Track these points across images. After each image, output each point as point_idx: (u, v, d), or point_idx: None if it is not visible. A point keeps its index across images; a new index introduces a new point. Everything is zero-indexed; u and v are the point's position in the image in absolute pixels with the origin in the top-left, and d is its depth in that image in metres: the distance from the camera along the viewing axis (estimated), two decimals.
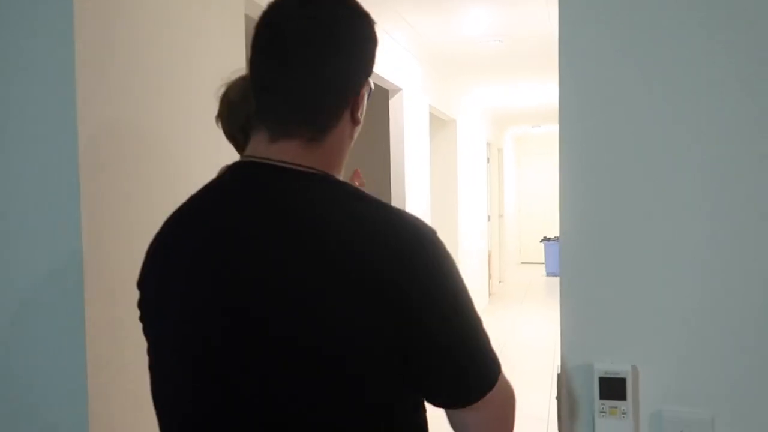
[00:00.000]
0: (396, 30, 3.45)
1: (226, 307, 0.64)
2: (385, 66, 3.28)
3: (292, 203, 0.66)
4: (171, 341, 0.69)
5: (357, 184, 1.12)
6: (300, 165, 0.67)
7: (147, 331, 0.72)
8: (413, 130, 3.75)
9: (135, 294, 0.74)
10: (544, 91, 5.72)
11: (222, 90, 0.96)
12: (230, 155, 0.87)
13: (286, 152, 0.67)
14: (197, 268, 0.67)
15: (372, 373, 0.63)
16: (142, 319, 0.73)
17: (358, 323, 0.61)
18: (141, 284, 0.73)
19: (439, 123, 5.33)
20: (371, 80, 0.74)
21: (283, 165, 0.67)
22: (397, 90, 3.59)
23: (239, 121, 0.93)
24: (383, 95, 3.64)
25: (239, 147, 0.95)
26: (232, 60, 1.39)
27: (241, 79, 0.96)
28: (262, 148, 0.68)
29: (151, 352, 0.72)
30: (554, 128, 8.60)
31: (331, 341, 0.61)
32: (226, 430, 0.65)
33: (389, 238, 0.63)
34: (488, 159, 7.57)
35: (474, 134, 6.49)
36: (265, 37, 0.68)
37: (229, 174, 0.70)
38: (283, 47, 0.67)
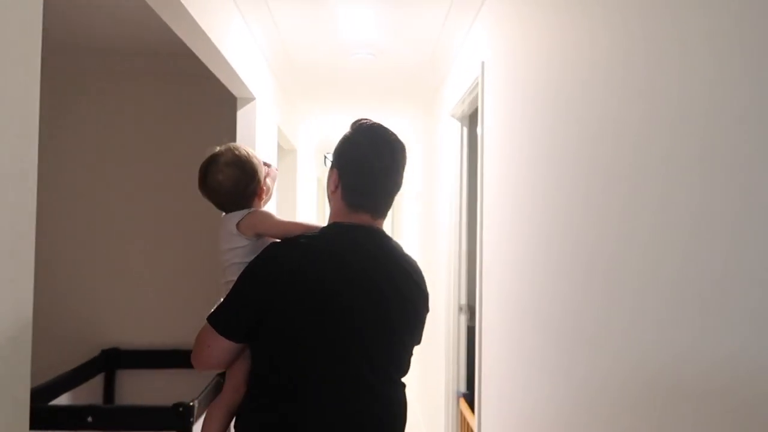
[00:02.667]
0: (257, 24, 2.82)
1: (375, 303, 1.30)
2: (241, 65, 2.60)
3: (395, 250, 1.39)
4: (333, 320, 1.25)
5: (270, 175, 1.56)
6: (381, 230, 1.40)
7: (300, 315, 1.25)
8: (262, 151, 3.08)
9: None
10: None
11: (217, 174, 1.45)
12: None
13: (380, 226, 1.40)
14: (357, 282, 1.29)
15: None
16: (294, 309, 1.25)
17: (424, 317, 1.43)
18: (302, 286, 1.25)
19: (280, 151, 4.71)
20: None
21: (380, 231, 1.40)
22: (250, 99, 2.92)
23: (226, 198, 1.45)
24: (230, 103, 2.94)
25: (219, 207, 1.49)
26: None
27: (237, 170, 1.46)
28: (368, 222, 1.38)
29: (306, 329, 1.24)
30: None
31: (420, 322, 1.41)
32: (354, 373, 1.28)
33: (417, 267, 1.44)
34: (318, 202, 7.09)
35: (309, 172, 5.98)
36: (366, 166, 1.37)
37: (358, 232, 1.36)
38: (375, 172, 1.36)
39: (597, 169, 1.26)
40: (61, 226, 3.47)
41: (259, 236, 1.38)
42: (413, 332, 1.38)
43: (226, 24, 2.40)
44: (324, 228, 1.35)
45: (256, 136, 2.91)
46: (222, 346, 1.28)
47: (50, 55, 3.31)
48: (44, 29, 1.05)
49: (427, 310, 1.43)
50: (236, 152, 1.46)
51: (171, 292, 3.49)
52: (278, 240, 1.36)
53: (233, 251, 1.38)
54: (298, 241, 1.30)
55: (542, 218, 1.64)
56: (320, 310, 1.23)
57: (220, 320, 1.28)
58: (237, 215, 1.40)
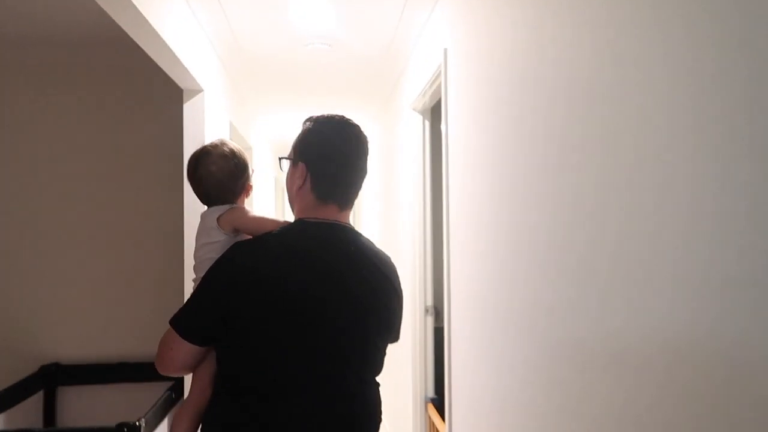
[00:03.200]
0: (203, 10, 2.63)
1: (345, 297, 1.28)
2: (186, 53, 2.42)
3: (363, 245, 1.38)
4: (301, 320, 1.23)
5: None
6: (348, 224, 1.40)
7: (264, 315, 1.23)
8: None
9: None
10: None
11: (210, 165, 1.46)
12: None
13: (346, 218, 1.39)
14: (324, 279, 1.26)
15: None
16: (259, 307, 1.23)
17: (399, 313, 1.44)
18: (262, 284, 1.23)
19: None
20: None
21: (347, 225, 1.39)
22: (197, 91, 2.73)
23: (214, 190, 1.47)
24: (176, 95, 2.74)
25: (203, 200, 1.49)
26: None
27: (226, 161, 1.47)
28: (334, 215, 1.36)
29: (269, 329, 1.22)
30: None
31: (394, 319, 1.41)
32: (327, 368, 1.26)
33: (391, 263, 1.45)
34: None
35: (265, 171, 5.78)
36: (336, 156, 1.36)
37: (324, 228, 1.34)
38: (343, 159, 1.36)
39: (567, 160, 1.21)
40: None
41: (236, 232, 1.40)
42: (388, 331, 1.38)
43: (168, 8, 2.22)
44: (288, 225, 1.34)
45: (206, 131, 2.73)
46: (185, 350, 1.27)
47: None
48: None
49: (401, 307, 1.43)
50: (230, 146, 1.49)
51: (115, 300, 3.26)
52: (241, 239, 1.37)
53: (210, 246, 1.38)
54: (261, 240, 1.30)
55: (511, 214, 1.56)
56: (289, 310, 1.22)
57: (182, 323, 1.27)
58: (218, 209, 1.41)
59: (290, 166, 1.39)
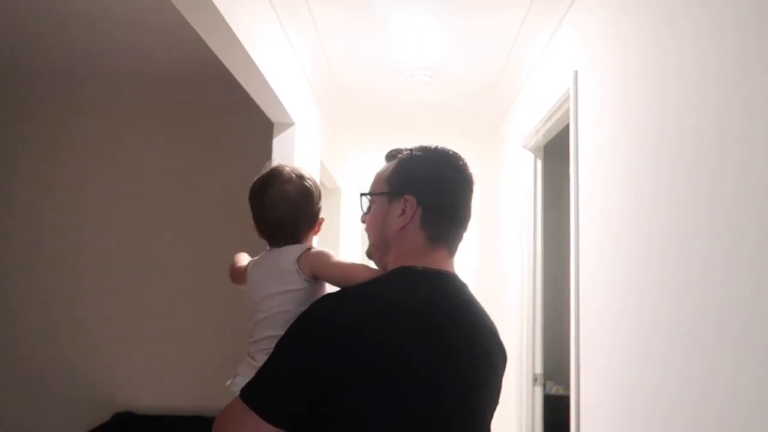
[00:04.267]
0: (299, 36, 2.46)
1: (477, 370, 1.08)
2: (279, 83, 2.23)
3: (478, 305, 1.15)
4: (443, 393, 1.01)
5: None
6: (457, 275, 1.16)
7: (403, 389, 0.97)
8: None
9: None
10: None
11: (284, 184, 1.24)
12: None
13: (453, 268, 1.15)
14: (448, 351, 1.03)
15: None
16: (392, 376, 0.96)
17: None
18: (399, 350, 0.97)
19: (323, 190, 4.32)
20: None
21: (459, 278, 1.15)
22: (288, 125, 2.54)
23: (288, 218, 1.25)
24: (266, 129, 2.56)
25: (267, 231, 1.26)
26: None
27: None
28: (445, 263, 1.12)
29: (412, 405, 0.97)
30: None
31: (499, 391, 1.18)
32: None
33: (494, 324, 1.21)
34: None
35: (354, 215, 5.57)
36: (452, 187, 1.14)
37: (440, 281, 1.10)
38: (459, 192, 1.14)
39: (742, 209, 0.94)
40: (70, 278, 3.17)
41: (315, 280, 1.16)
42: (494, 399, 1.18)
43: (263, 34, 2.05)
44: (390, 273, 1.09)
45: (294, 163, 2.52)
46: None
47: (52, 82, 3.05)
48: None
49: (504, 369, 1.23)
50: (301, 172, 1.29)
51: (194, 350, 3.09)
52: (332, 290, 1.12)
53: (285, 295, 1.14)
54: (363, 294, 1.04)
55: (674, 274, 1.18)
56: (409, 393, 0.97)
57: (261, 398, 0.99)
58: (294, 249, 1.18)
59: (383, 201, 1.14)
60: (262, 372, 1.00)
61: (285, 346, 1.00)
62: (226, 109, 3.15)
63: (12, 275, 3.18)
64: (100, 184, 3.21)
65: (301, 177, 1.26)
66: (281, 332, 1.06)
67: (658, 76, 1.37)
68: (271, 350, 1.05)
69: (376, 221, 1.15)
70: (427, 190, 1.11)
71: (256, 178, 1.27)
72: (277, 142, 2.49)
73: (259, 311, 1.14)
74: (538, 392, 2.67)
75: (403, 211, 1.10)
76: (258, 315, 1.14)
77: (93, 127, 3.24)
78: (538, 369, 2.66)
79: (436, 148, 1.16)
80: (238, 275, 1.35)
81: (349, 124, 3.84)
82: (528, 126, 2.67)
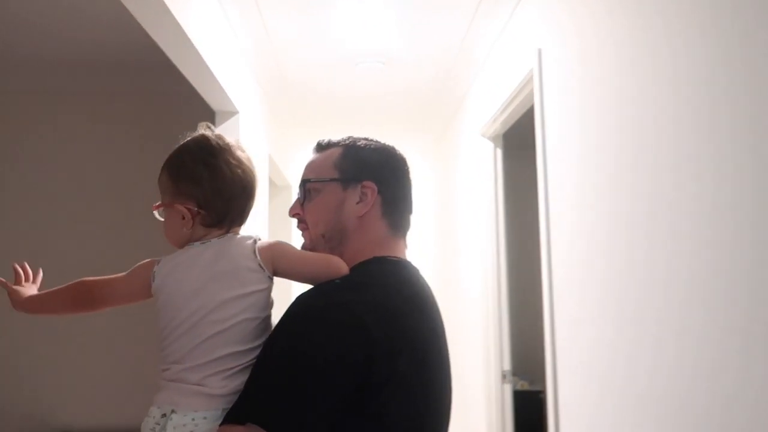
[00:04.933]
0: (243, 24, 2.28)
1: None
2: (220, 69, 2.05)
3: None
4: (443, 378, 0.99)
5: None
6: None
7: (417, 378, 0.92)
8: None
9: None
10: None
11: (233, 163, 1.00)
12: None
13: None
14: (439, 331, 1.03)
15: None
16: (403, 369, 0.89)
17: None
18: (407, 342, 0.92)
19: (271, 187, 4.12)
20: None
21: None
22: (232, 113, 2.35)
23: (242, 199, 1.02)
24: (207, 118, 2.36)
25: (214, 212, 0.99)
26: None
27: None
28: (404, 254, 1.09)
29: (423, 389, 0.94)
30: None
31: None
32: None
33: None
34: None
35: None
36: (405, 176, 1.11)
37: (411, 270, 1.06)
38: (410, 182, 1.12)
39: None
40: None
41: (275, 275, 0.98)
42: None
43: (203, 18, 1.88)
44: (373, 264, 1.02)
45: None
46: None
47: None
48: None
49: None
50: (246, 152, 1.06)
51: (131, 364, 2.85)
52: (312, 288, 0.96)
53: (247, 299, 0.92)
54: (367, 282, 0.96)
55: (660, 262, 1.11)
56: (427, 372, 0.95)
57: (290, 422, 0.82)
58: (243, 240, 0.97)
59: (336, 189, 1.04)
60: (276, 390, 0.83)
61: (297, 354, 0.84)
62: (165, 100, 2.92)
63: None
64: (25, 180, 2.92)
65: (242, 148, 1.05)
66: (245, 347, 0.90)
67: (633, 53, 1.27)
68: (236, 370, 0.88)
69: (327, 209, 1.04)
70: (385, 178, 1.06)
71: (192, 141, 1.00)
72: (221, 132, 2.30)
73: (204, 325, 0.90)
74: (508, 389, 2.57)
75: (362, 198, 1.03)
76: (203, 330, 0.90)
77: (19, 118, 2.95)
78: (507, 365, 2.57)
79: (375, 139, 1.12)
80: (94, 291, 1.04)
81: (298, 118, 3.67)
82: (487, 113, 2.57)
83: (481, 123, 2.69)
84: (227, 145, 1.01)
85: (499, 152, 2.72)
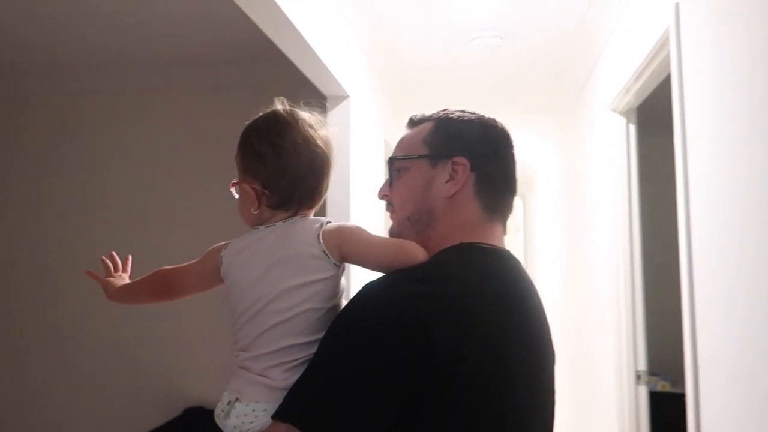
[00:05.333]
0: (352, 3, 2.25)
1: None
2: (329, 54, 2.03)
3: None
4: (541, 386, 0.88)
5: None
6: None
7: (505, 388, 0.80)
8: (360, 161, 2.47)
9: None
10: (535, 143, 4.64)
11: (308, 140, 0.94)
12: None
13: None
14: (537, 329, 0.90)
15: None
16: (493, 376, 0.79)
17: None
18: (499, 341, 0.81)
19: None
20: None
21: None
22: (342, 98, 2.33)
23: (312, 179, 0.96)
24: (319, 104, 2.37)
25: (279, 194, 0.94)
26: None
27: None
28: (501, 240, 0.95)
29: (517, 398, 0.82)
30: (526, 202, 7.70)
31: None
32: None
33: None
34: None
35: None
36: (506, 151, 0.98)
37: (506, 261, 0.93)
38: (513, 159, 0.99)
39: None
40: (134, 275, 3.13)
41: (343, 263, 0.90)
42: None
43: (311, 2, 1.86)
44: (454, 252, 0.89)
45: (352, 144, 2.31)
46: None
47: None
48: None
49: None
50: (322, 129, 0.98)
51: None
52: (381, 276, 0.87)
53: (311, 288, 0.86)
54: (439, 273, 0.85)
55: None
56: (500, 386, 0.81)
57: (340, 426, 0.75)
58: (310, 224, 0.91)
59: (424, 166, 0.95)
60: (324, 391, 0.77)
61: (350, 351, 0.78)
62: (278, 89, 2.97)
63: (70, 274, 3.19)
64: (124, 176, 3.14)
65: (321, 124, 0.98)
66: (308, 339, 0.84)
67: None
68: (298, 363, 0.83)
69: (413, 189, 0.95)
70: (481, 153, 0.95)
71: (260, 118, 0.96)
72: (331, 117, 2.29)
73: (266, 314, 0.85)
74: (643, 391, 2.32)
75: (452, 176, 0.93)
76: (266, 319, 0.85)
77: (141, 114, 3.18)
78: (642, 365, 2.32)
79: (473, 111, 1.00)
80: (173, 280, 1.04)
81: (414, 101, 3.59)
82: (617, 84, 2.31)
83: (611, 96, 2.43)
84: (297, 121, 0.95)
85: (633, 128, 2.45)
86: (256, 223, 0.94)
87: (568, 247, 3.81)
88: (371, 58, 2.77)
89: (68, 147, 3.21)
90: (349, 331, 0.80)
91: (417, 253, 0.87)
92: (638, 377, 2.30)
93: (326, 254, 0.87)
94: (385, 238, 0.93)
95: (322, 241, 0.87)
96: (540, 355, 0.88)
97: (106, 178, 3.17)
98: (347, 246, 0.88)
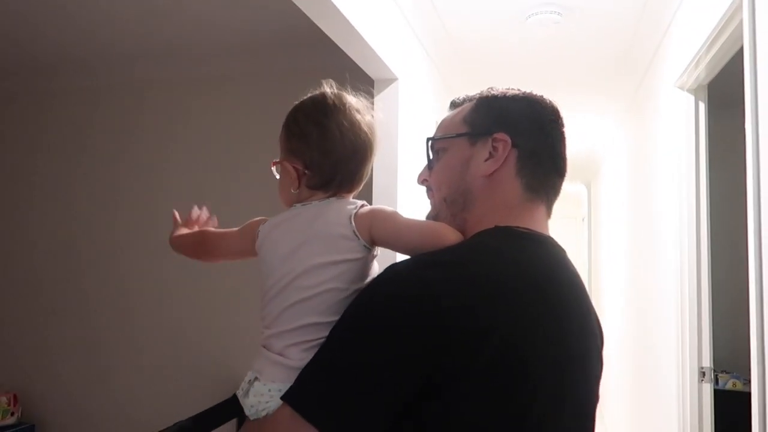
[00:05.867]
0: None
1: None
2: (375, 35, 1.99)
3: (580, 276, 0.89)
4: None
5: None
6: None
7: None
8: (409, 145, 2.42)
9: None
10: (592, 126, 4.44)
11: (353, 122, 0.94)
12: None
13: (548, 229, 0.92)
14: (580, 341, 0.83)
15: None
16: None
17: None
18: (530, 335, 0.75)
19: None
20: None
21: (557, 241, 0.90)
22: (391, 80, 2.29)
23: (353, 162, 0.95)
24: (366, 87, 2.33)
25: (319, 174, 0.94)
26: None
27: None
28: (543, 224, 0.90)
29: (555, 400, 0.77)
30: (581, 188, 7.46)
31: None
32: None
33: None
34: None
35: None
36: (553, 128, 0.91)
37: (547, 249, 0.86)
38: (561, 137, 0.93)
39: None
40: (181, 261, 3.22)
41: (373, 247, 0.89)
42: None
43: None
44: (486, 236, 0.85)
45: (400, 127, 2.26)
46: None
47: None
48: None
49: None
50: (366, 103, 1.00)
51: None
52: (405, 259, 0.83)
53: (337, 267, 0.85)
54: (461, 259, 0.78)
55: None
56: (547, 369, 0.76)
57: (339, 413, 0.72)
58: (344, 205, 0.91)
59: (463, 145, 0.91)
60: (326, 373, 0.75)
61: (359, 333, 0.76)
62: (325, 75, 2.96)
63: (123, 262, 3.31)
64: (183, 163, 3.21)
65: (367, 109, 0.98)
66: (329, 319, 0.82)
67: None
68: (316, 344, 0.81)
69: (451, 169, 0.91)
70: (524, 129, 0.89)
71: (308, 98, 0.97)
72: (378, 100, 2.25)
73: (291, 290, 0.85)
74: (707, 389, 2.18)
75: (491, 153, 0.88)
76: (290, 295, 0.85)
77: (181, 104, 3.25)
78: (706, 361, 2.18)
79: (519, 89, 0.95)
80: (212, 242, 1.09)
81: (466, 83, 3.50)
82: (684, 59, 2.15)
83: (677, 72, 2.27)
84: (344, 104, 0.95)
85: (702, 107, 2.28)
86: (295, 202, 0.95)
87: (634, 239, 3.63)
88: (422, 39, 2.71)
89: (100, 139, 3.34)
90: (361, 316, 0.77)
91: (447, 236, 0.83)
92: (702, 374, 2.16)
93: (356, 235, 0.86)
94: (416, 221, 0.89)
95: (353, 221, 0.87)
96: (573, 350, 0.82)
97: (160, 166, 3.27)
98: (377, 228, 0.87)
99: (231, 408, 3.21)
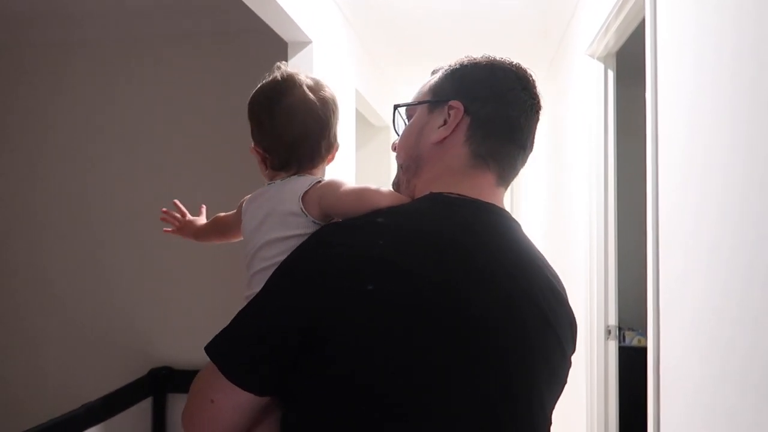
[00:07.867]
0: None
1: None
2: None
3: (535, 252, 0.90)
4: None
5: None
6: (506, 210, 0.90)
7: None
8: None
9: None
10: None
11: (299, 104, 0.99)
12: None
13: (500, 201, 0.90)
14: (488, 292, 0.79)
15: None
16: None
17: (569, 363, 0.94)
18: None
19: (367, 128, 4.03)
20: None
21: (508, 213, 0.89)
22: (304, 43, 2.24)
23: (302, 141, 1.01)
24: (280, 49, 2.27)
25: (276, 158, 1.02)
26: None
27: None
28: (490, 192, 0.88)
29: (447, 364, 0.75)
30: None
31: (566, 371, 0.93)
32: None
33: (559, 278, 0.95)
34: None
35: None
36: (513, 95, 0.89)
37: (481, 211, 0.85)
38: (521, 106, 0.90)
39: None
40: (104, 228, 3.08)
41: (327, 220, 0.94)
42: (558, 386, 0.88)
43: None
44: (418, 200, 0.87)
45: None
46: (236, 404, 0.78)
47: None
48: None
49: (574, 347, 0.92)
50: (318, 80, 1.05)
51: (227, 301, 2.94)
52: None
53: (286, 242, 0.92)
54: (374, 221, 0.81)
55: None
56: (429, 326, 0.75)
57: (232, 357, 0.79)
58: (301, 182, 0.97)
59: (423, 113, 0.93)
60: (233, 322, 0.81)
61: (269, 285, 0.81)
62: (233, 38, 2.86)
63: (34, 230, 3.14)
64: (103, 130, 3.05)
65: (319, 86, 1.03)
66: None
67: None
68: None
69: (408, 136, 0.93)
70: (481, 96, 0.88)
71: (260, 86, 1.04)
72: (293, 64, 2.21)
73: (256, 260, 0.95)
74: (612, 346, 2.34)
75: (445, 121, 0.88)
76: (255, 264, 0.95)
77: (87, 68, 3.07)
78: (612, 320, 2.32)
79: (502, 57, 0.94)
80: (223, 224, 1.23)
81: (387, 48, 3.48)
82: (594, 27, 2.24)
83: (587, 40, 2.36)
84: (295, 85, 1.00)
85: (611, 74, 2.39)
86: (269, 179, 1.04)
87: (550, 205, 3.79)
88: (339, 2, 2.66)
89: (65, 98, 3.11)
90: (274, 273, 0.82)
91: (373, 201, 0.84)
92: (608, 332, 2.31)
93: (304, 212, 0.93)
94: (353, 187, 0.91)
95: (300, 200, 0.94)
96: (483, 306, 0.78)
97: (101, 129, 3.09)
98: (324, 200, 0.92)
99: (144, 387, 3.11)
